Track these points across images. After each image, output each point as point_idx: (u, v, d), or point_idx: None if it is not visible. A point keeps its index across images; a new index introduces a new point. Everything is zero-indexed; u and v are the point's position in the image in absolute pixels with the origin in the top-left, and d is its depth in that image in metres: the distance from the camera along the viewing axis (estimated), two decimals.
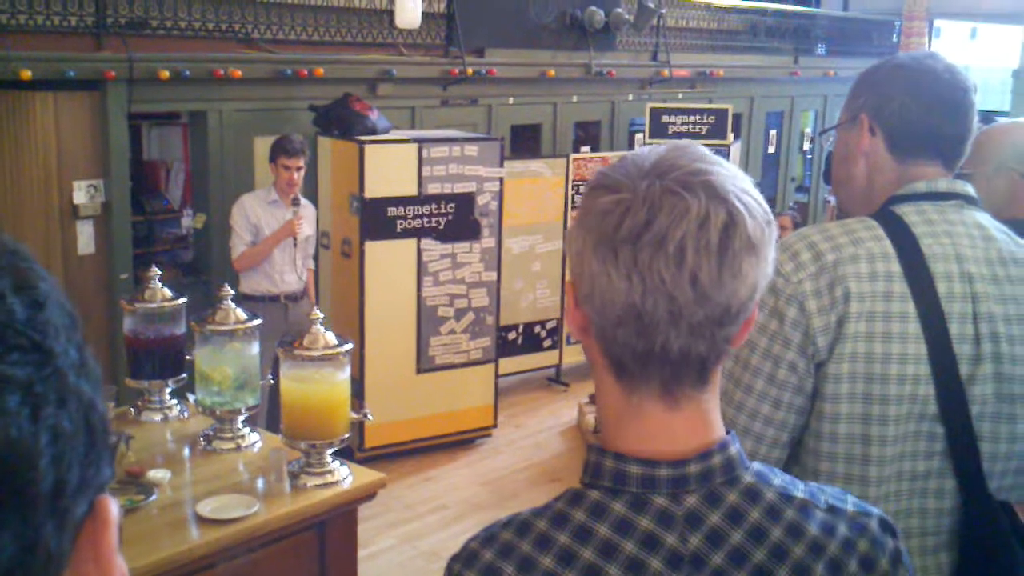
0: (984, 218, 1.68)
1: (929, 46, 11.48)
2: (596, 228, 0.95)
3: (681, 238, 0.92)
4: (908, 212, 1.64)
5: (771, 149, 10.13)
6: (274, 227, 5.25)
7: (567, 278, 1.02)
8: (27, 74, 4.96)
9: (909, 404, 1.56)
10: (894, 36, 11.63)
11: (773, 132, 10.14)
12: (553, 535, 0.98)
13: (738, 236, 0.93)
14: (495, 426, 6.23)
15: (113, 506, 0.58)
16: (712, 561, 0.97)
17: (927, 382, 1.56)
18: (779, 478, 1.03)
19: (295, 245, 5.28)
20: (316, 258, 5.89)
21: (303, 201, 5.41)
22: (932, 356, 1.56)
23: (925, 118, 1.67)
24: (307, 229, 5.40)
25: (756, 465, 1.03)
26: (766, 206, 0.98)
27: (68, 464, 0.52)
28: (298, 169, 5.22)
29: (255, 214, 5.26)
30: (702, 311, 0.93)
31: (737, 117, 8.98)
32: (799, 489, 1.03)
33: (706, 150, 1.00)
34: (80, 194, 5.33)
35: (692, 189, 0.93)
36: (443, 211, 5.79)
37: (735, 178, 0.97)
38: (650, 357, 0.96)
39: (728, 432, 1.03)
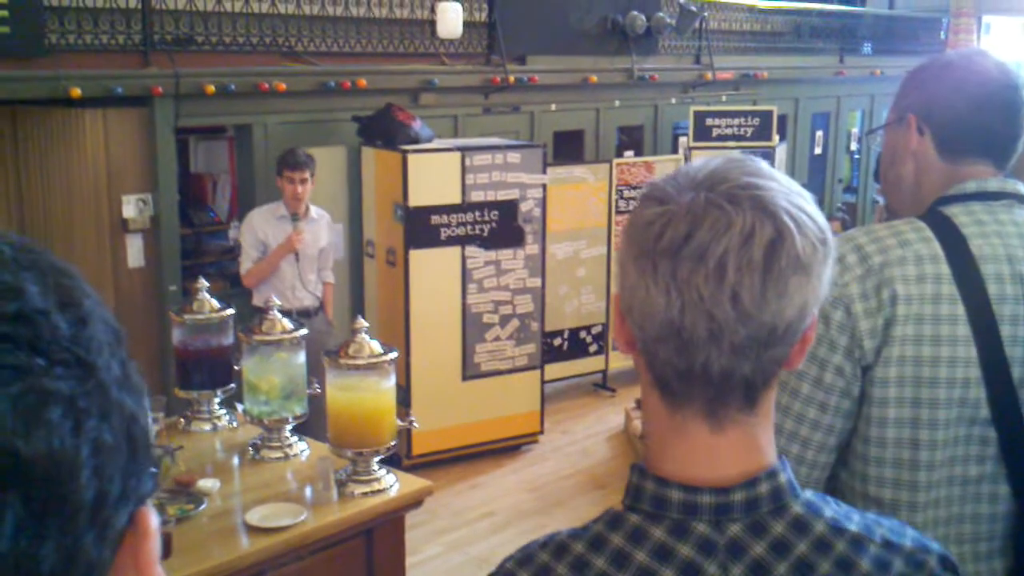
0: None
1: (978, 43, 11.30)
2: (638, 240, 0.93)
3: (722, 254, 0.88)
4: (957, 213, 1.60)
5: (817, 150, 10.01)
6: (281, 241, 5.19)
7: (614, 290, 0.99)
8: (77, 92, 5.06)
9: (959, 408, 1.53)
10: (942, 33, 11.46)
11: (819, 133, 10.02)
12: (590, 559, 0.96)
13: (785, 254, 0.89)
14: (541, 432, 6.22)
15: (153, 518, 0.59)
16: None
17: (977, 385, 1.52)
18: (831, 509, 0.98)
19: (296, 260, 5.21)
20: (360, 267, 5.91)
21: (317, 213, 5.36)
22: (983, 359, 1.52)
23: (975, 117, 1.63)
24: (320, 241, 5.34)
25: (808, 494, 0.98)
26: (823, 223, 0.93)
27: (109, 476, 0.53)
28: (302, 182, 5.15)
29: (263, 230, 5.20)
30: (744, 330, 0.90)
31: (782, 118, 8.90)
32: (853, 522, 0.97)
33: (764, 163, 0.96)
34: (129, 208, 5.41)
35: (738, 203, 0.90)
36: (487, 218, 5.80)
37: (789, 193, 0.92)
38: (692, 376, 0.93)
39: (780, 458, 0.98)
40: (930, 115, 1.66)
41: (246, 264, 5.25)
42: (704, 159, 0.97)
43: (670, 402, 0.96)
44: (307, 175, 5.18)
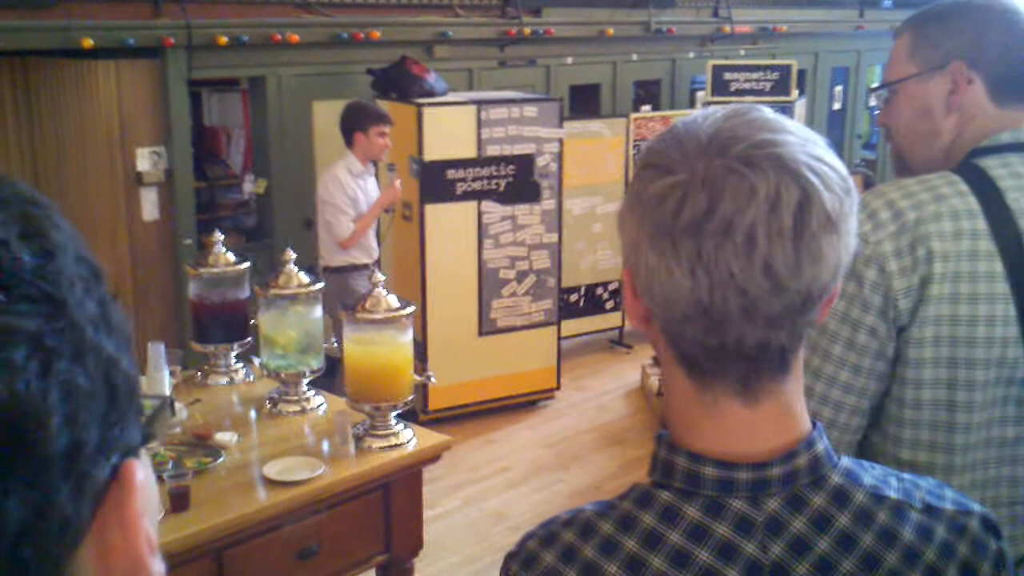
0: None
1: None
2: (651, 217, 0.85)
3: (750, 224, 0.81)
4: (992, 165, 1.55)
5: (836, 106, 9.88)
6: (363, 199, 5.23)
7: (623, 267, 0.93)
8: (89, 42, 5.00)
9: (997, 368, 1.49)
10: None
11: (839, 88, 9.88)
12: (620, 540, 0.91)
13: (815, 215, 0.82)
14: (558, 388, 6.21)
15: (141, 471, 0.54)
16: (796, 572, 0.89)
17: (1016, 344, 1.48)
18: (870, 475, 0.94)
19: (392, 212, 5.34)
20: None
21: None
22: (1022, 317, 1.48)
23: (1022, 58, 1.59)
24: None
25: (845, 461, 0.94)
26: (844, 171, 0.87)
27: (84, 424, 0.49)
28: (389, 135, 5.27)
29: (351, 187, 5.21)
30: (779, 302, 0.84)
31: (801, 73, 8.76)
32: (892, 487, 0.94)
33: (771, 113, 0.89)
34: (143, 161, 5.38)
35: (757, 165, 0.82)
36: (503, 173, 5.74)
37: (806, 144, 0.85)
38: (723, 353, 0.87)
39: (815, 425, 0.93)
40: (981, 62, 1.58)
41: (346, 224, 5.15)
42: (700, 112, 0.90)
43: (699, 379, 0.90)
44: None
